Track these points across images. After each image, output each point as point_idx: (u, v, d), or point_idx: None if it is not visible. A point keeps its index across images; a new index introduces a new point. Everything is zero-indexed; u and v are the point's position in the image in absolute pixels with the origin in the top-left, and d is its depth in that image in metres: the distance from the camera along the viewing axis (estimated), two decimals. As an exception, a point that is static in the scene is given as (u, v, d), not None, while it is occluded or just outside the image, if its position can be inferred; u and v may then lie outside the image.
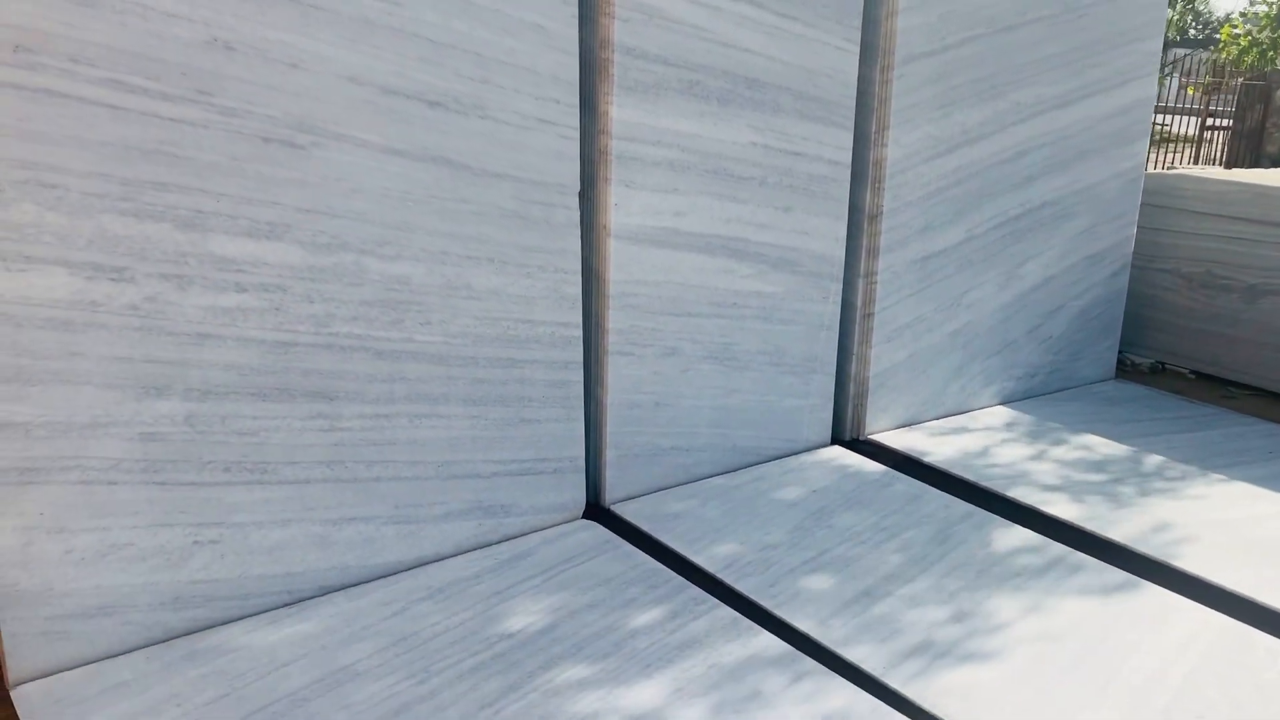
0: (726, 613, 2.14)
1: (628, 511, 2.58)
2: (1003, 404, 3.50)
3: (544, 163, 2.30)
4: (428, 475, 2.27)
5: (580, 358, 2.47)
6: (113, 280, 1.81)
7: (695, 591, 2.22)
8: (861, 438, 3.14)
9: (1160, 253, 4.14)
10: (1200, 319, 4.04)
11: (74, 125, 1.73)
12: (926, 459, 2.98)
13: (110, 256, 1.80)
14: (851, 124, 2.84)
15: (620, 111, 2.39)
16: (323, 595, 2.15)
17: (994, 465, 2.95)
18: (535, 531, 2.47)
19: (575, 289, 2.42)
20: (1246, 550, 2.48)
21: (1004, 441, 3.14)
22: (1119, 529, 2.57)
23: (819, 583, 2.27)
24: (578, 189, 2.36)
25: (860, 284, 3.03)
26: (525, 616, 2.09)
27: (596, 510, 2.61)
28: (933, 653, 2.01)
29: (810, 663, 1.96)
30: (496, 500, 2.40)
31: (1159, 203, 4.13)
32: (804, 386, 2.97)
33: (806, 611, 2.15)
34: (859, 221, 2.99)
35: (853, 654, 2.00)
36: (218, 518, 2.00)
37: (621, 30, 2.34)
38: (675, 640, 2.02)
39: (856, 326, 3.07)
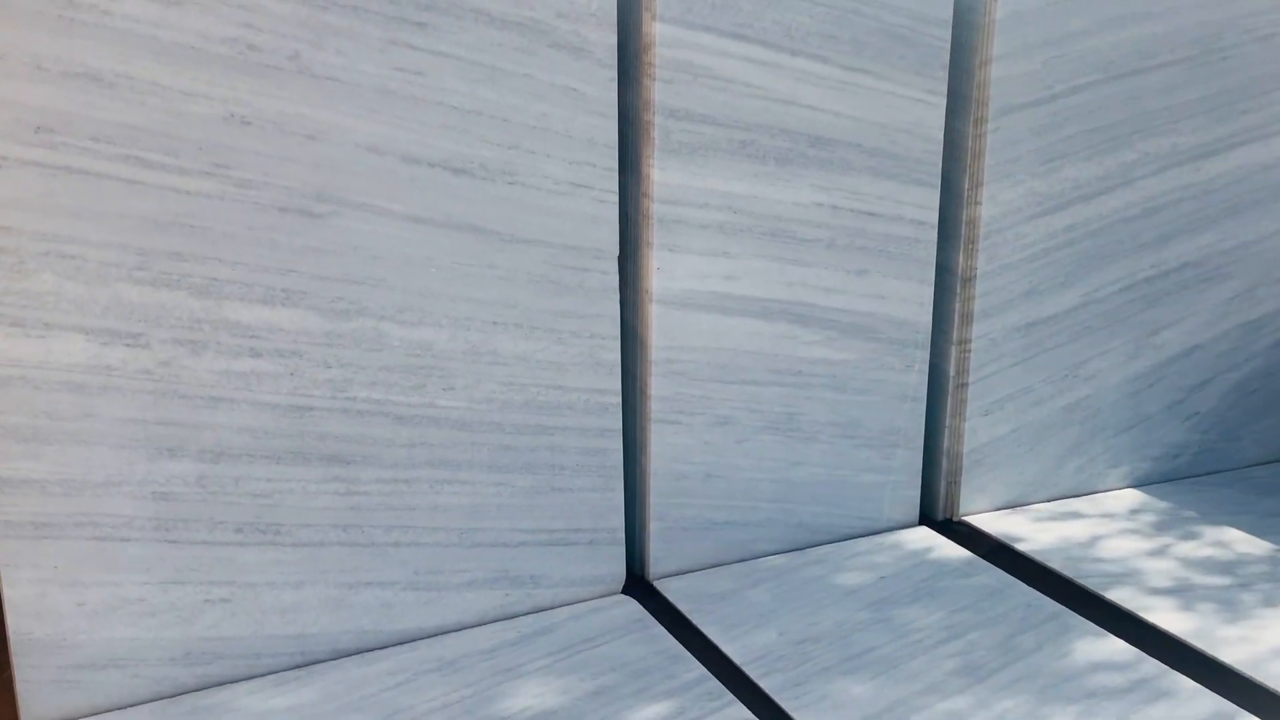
0: (739, 713, 1.98)
1: (670, 588, 2.47)
2: (1135, 487, 3.13)
3: (578, 227, 2.24)
4: (450, 542, 2.24)
5: (619, 425, 2.38)
6: (127, 345, 1.89)
7: (713, 685, 2.07)
8: (955, 519, 2.88)
9: (1348, 318, 3.61)
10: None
11: (93, 200, 1.83)
12: (1022, 546, 2.69)
13: (126, 323, 1.88)
14: (938, 181, 2.63)
15: (662, 174, 2.31)
16: (336, 659, 2.15)
17: (1101, 559, 2.63)
18: (566, 605, 2.39)
19: (613, 355, 2.34)
20: (1391, 686, 2.09)
21: (1121, 531, 2.80)
22: (1231, 649, 2.22)
23: (852, 686, 2.07)
24: (616, 253, 2.30)
25: (953, 352, 2.80)
26: (525, 699, 2.01)
27: (639, 583, 2.51)
28: (954, 783, 1.79)
29: (811, 781, 1.78)
30: (524, 570, 2.34)
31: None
32: (885, 462, 2.75)
33: (828, 718, 1.97)
34: (950, 285, 2.77)
35: (864, 774, 1.81)
36: (229, 577, 2.04)
37: (663, 91, 2.26)
38: (669, 740, 1.89)
39: (949, 398, 2.83)
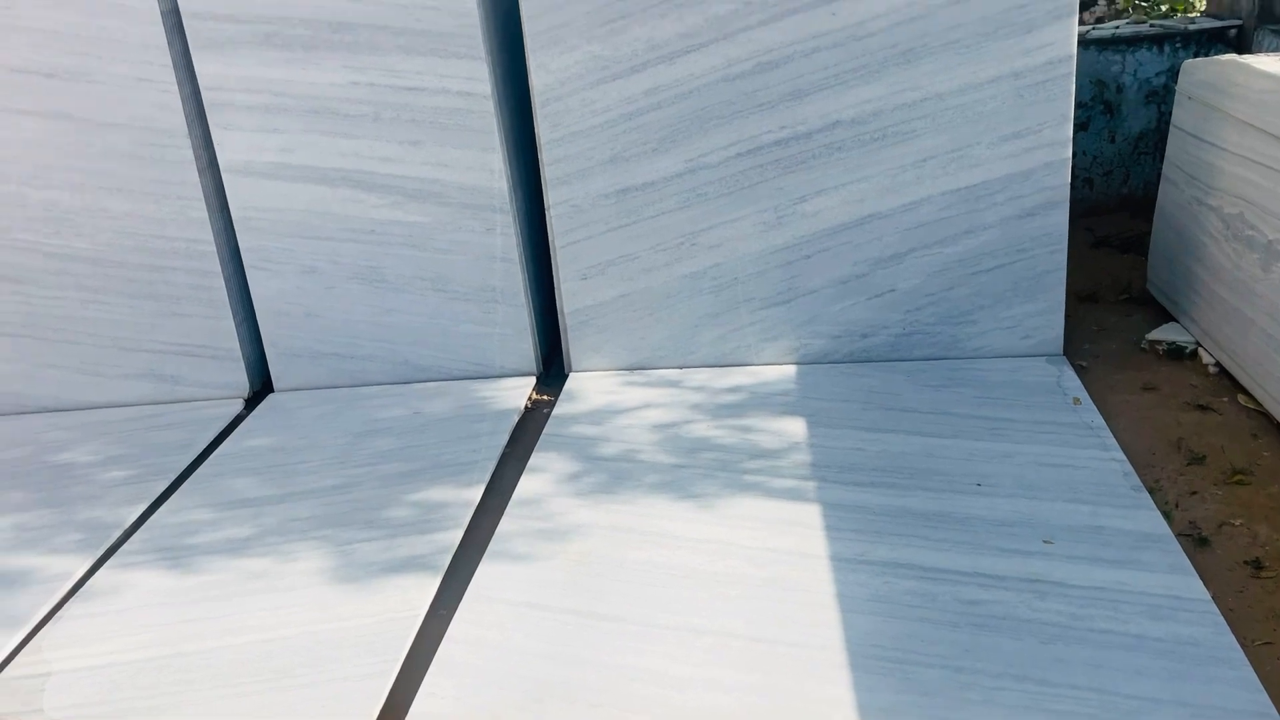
0: (159, 486, 2.68)
1: (273, 400, 3.13)
2: (803, 363, 2.95)
3: (151, 113, 2.91)
4: (104, 345, 3.16)
5: (218, 268, 3.05)
6: (-125, 202, 3.06)
7: (191, 457, 2.78)
8: (568, 373, 3.06)
9: (1213, 183, 2.78)
10: (1228, 284, 2.69)
11: None
12: (561, 397, 2.85)
13: None
14: (481, 52, 2.77)
15: (202, 66, 2.85)
16: (37, 413, 3.23)
17: (599, 417, 2.71)
18: (204, 400, 3.18)
19: (201, 213, 3.00)
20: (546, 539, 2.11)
21: (671, 403, 2.78)
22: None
23: (250, 444, 2.64)
24: (185, 133, 2.93)
25: (546, 218, 2.93)
26: (76, 453, 2.91)
27: (267, 394, 3.19)
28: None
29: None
30: (167, 371, 3.17)
31: (1212, 102, 2.76)
32: (486, 315, 3.04)
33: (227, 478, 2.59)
34: (536, 154, 2.88)
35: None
36: (-35, 351, 3.20)
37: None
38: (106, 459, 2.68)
39: (553, 262, 2.98)
